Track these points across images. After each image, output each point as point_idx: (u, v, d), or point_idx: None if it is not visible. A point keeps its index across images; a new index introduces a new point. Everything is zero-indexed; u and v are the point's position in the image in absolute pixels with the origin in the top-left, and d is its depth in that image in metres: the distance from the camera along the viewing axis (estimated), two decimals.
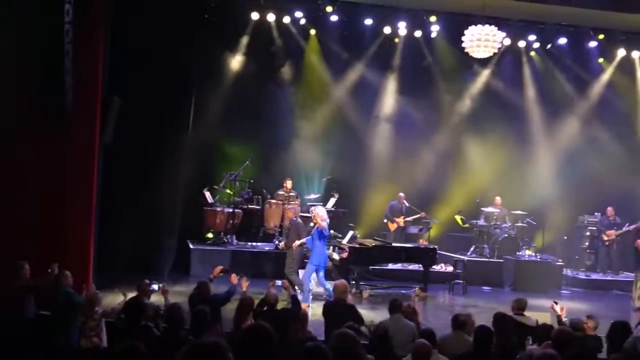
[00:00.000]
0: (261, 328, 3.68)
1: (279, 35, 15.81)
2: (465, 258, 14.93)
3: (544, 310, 10.08)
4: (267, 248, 14.56)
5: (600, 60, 16.96)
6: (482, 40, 12.70)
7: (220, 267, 9.06)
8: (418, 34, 16.07)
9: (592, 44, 16.36)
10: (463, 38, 13.11)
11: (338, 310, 7.85)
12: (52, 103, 10.20)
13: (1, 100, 10.43)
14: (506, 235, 15.59)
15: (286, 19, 15.50)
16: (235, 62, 15.61)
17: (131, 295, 8.08)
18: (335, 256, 12.80)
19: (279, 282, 8.89)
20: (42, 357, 6.64)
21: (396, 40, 16.36)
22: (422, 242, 15.16)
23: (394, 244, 13.88)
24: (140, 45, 13.21)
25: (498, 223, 15.83)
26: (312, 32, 16.05)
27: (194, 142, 15.01)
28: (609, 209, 15.99)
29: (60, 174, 10.68)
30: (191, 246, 14.12)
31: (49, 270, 8.48)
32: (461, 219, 16.08)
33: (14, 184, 10.45)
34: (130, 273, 12.14)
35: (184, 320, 6.77)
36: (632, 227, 15.48)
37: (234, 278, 8.40)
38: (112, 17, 11.93)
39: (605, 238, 15.88)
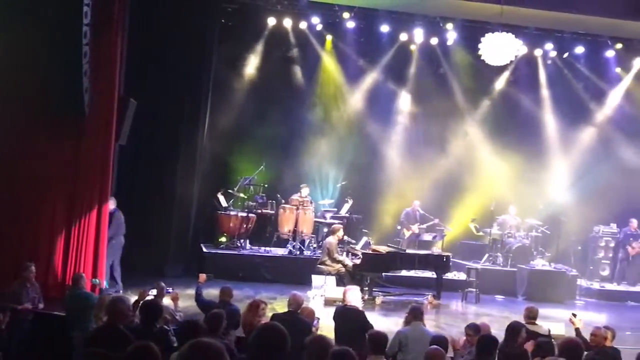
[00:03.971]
0: (274, 327, 3.68)
1: (295, 41, 15.85)
2: (479, 266, 14.84)
3: (558, 321, 10.07)
4: (280, 253, 14.55)
5: (618, 69, 16.86)
6: (499, 48, 12.65)
7: (204, 275, 9.13)
8: (434, 41, 16.04)
9: (610, 53, 16.23)
10: (480, 45, 13.06)
11: (346, 315, 7.89)
12: (70, 104, 10.29)
13: (20, 101, 10.55)
14: (520, 244, 15.49)
15: (303, 25, 15.52)
16: (252, 66, 15.67)
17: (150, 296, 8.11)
18: (348, 262, 12.77)
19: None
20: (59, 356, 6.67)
21: (412, 47, 16.36)
22: (436, 250, 15.10)
23: (407, 251, 13.85)
24: (156, 48, 13.30)
25: (512, 232, 15.75)
26: (329, 37, 16.07)
27: (209, 146, 15.09)
28: (633, 220, 15.84)
29: (77, 174, 10.77)
30: (204, 250, 14.14)
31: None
32: (475, 227, 16.02)
33: (32, 184, 10.55)
34: (143, 275, 12.21)
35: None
36: None
37: (203, 277, 8.63)
38: (129, 20, 12.01)
39: (631, 250, 15.74)
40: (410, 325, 7.32)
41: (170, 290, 8.53)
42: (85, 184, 10.83)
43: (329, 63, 16.28)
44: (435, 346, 5.62)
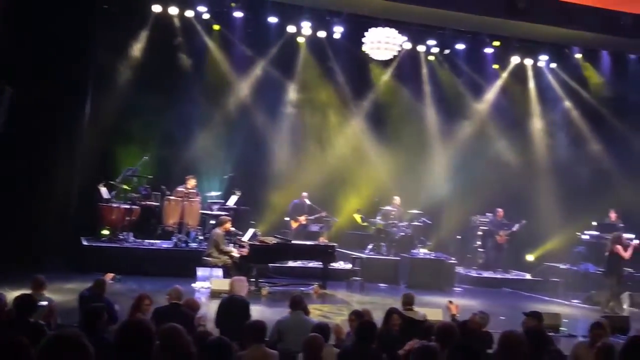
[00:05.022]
0: (138, 324, 3.64)
1: (181, 29, 15.59)
2: (363, 256, 15.21)
3: (437, 307, 10.45)
4: (164, 246, 14.30)
5: (495, 66, 17.68)
6: (383, 43, 12.97)
7: (111, 274, 8.89)
8: (322, 34, 16.22)
9: (488, 50, 17.00)
10: (364, 40, 13.36)
11: (232, 306, 7.93)
12: None
13: None
14: (402, 233, 15.99)
15: (189, 13, 15.30)
16: (136, 53, 15.28)
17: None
18: (235, 253, 12.75)
19: None
20: None
21: (300, 39, 16.47)
22: (323, 240, 15.29)
23: (294, 242, 13.96)
24: (33, 32, 12.73)
25: (395, 222, 16.20)
26: (216, 27, 15.91)
27: (91, 135, 14.63)
28: (499, 210, 16.72)
29: None
30: (85, 243, 13.68)
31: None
32: (360, 217, 16.36)
33: None
34: (21, 269, 11.73)
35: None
36: (517, 227, 16.36)
37: (109, 277, 8.40)
38: (5, 3, 11.44)
39: (499, 238, 16.56)
40: (290, 315, 7.40)
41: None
42: None
43: (215, 52, 16.12)
44: (313, 334, 5.71)
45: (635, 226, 15.50)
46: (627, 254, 13.41)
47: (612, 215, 16.40)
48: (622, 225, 15.99)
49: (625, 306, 13.44)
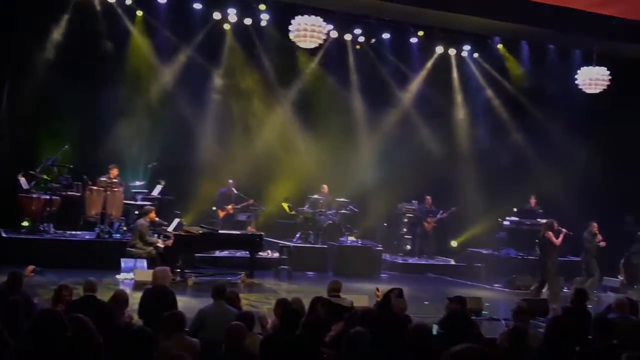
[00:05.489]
0: (50, 314, 3.58)
1: (103, 15, 15.15)
2: (291, 244, 15.24)
3: (364, 294, 10.58)
4: (87, 237, 13.96)
5: (420, 56, 17.89)
6: (309, 31, 12.96)
7: (32, 267, 8.62)
8: (248, 21, 16.08)
9: (413, 40, 17.22)
10: (290, 27, 13.32)
11: (155, 296, 7.81)
12: None
13: None
14: (330, 221, 16.09)
15: None
16: (56, 40, 14.77)
17: None
18: (160, 244, 12.57)
19: None
20: None
21: (226, 26, 16.28)
22: (250, 229, 15.25)
23: (220, 231, 13.87)
24: None
25: (323, 210, 16.28)
26: (139, 13, 15.57)
27: (9, 123, 14.14)
28: (428, 197, 17.05)
29: None
30: (3, 235, 13.23)
31: None
32: (288, 206, 16.37)
33: None
34: None
35: None
36: (444, 214, 16.74)
37: (30, 269, 8.16)
38: None
39: (426, 225, 16.88)
40: (212, 304, 7.34)
41: None
42: None
43: (139, 39, 15.77)
44: (235, 322, 5.69)
45: (553, 211, 16.01)
46: (557, 241, 13.79)
47: (532, 201, 16.95)
48: (541, 210, 16.55)
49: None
